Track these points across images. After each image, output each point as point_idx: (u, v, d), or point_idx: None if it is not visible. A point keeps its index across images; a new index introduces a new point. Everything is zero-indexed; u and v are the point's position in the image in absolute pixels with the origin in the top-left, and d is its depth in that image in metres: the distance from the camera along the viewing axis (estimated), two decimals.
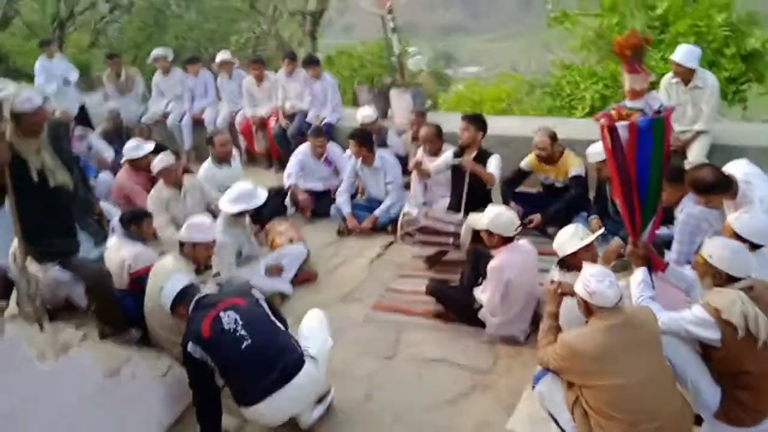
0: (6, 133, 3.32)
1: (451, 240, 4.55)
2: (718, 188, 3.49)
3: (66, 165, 3.62)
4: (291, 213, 5.95)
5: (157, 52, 8.10)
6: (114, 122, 7.14)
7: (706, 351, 2.77)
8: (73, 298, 4.65)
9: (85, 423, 3.05)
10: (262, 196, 4.70)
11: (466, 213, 4.60)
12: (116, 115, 7.22)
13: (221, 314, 3.10)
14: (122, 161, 5.78)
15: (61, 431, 2.94)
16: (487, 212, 3.89)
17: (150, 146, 5.68)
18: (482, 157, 4.92)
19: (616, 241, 4.38)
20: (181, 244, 3.96)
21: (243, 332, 3.06)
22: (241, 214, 4.63)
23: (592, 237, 3.39)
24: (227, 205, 4.58)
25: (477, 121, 5.00)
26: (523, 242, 3.98)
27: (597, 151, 4.31)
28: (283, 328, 3.28)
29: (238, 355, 3.04)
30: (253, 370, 3.05)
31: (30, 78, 8.40)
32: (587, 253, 3.35)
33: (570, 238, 3.39)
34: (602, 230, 3.91)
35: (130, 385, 3.28)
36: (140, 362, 3.37)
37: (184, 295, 3.28)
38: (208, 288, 3.81)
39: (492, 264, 3.76)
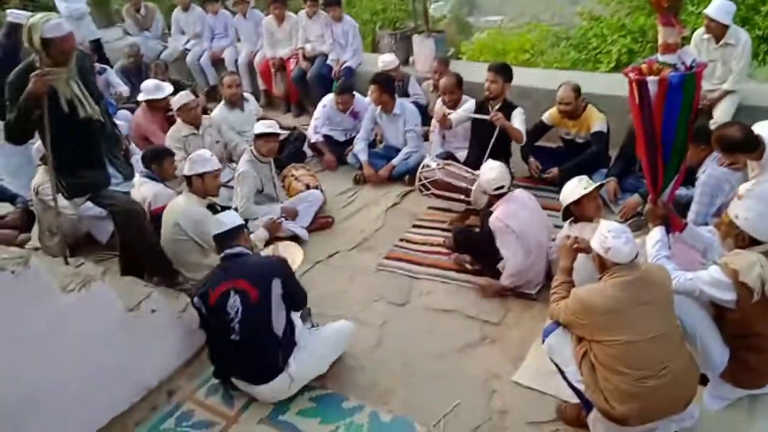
0: (36, 62, 3.28)
1: (463, 196, 4.53)
2: (745, 147, 3.43)
3: (93, 97, 3.58)
4: (309, 159, 5.95)
5: None
6: (134, 58, 7.09)
7: (718, 312, 2.78)
8: (93, 233, 4.78)
9: (109, 353, 3.17)
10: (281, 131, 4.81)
11: None
12: (136, 51, 7.16)
13: (231, 293, 3.09)
14: (141, 100, 5.77)
15: (86, 359, 3.07)
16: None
17: (169, 88, 5.67)
18: (507, 110, 4.85)
19: (635, 198, 4.36)
20: (189, 181, 4.02)
21: (237, 326, 3.08)
22: (266, 153, 4.71)
23: (593, 185, 3.37)
24: (258, 127, 4.68)
25: (505, 72, 4.90)
26: (518, 191, 3.98)
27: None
28: (280, 334, 3.15)
29: (223, 340, 3.16)
30: (229, 359, 3.20)
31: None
32: (591, 203, 3.37)
33: (574, 188, 3.39)
34: (612, 183, 3.91)
35: (150, 319, 3.38)
36: (159, 299, 3.44)
37: (232, 234, 3.26)
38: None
39: (491, 221, 3.79)
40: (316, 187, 5.17)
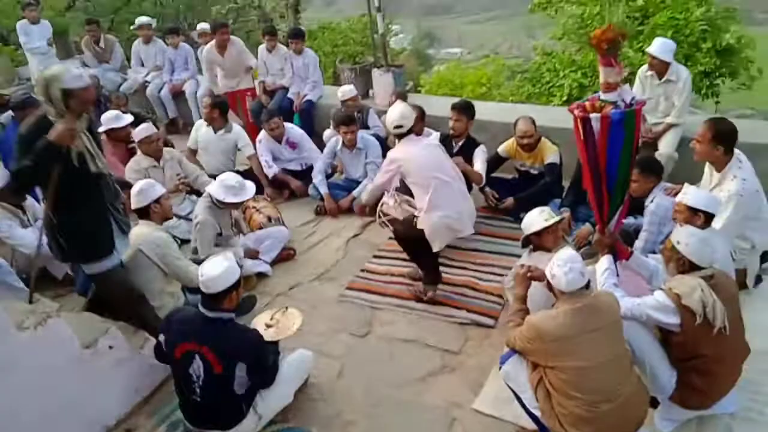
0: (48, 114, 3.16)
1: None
2: (735, 138, 3.69)
3: (100, 150, 3.47)
4: (268, 191, 5.98)
5: (141, 20, 8.00)
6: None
7: (664, 336, 2.92)
8: (49, 268, 4.69)
9: (64, 390, 3.12)
10: (250, 191, 4.54)
11: None
12: (96, 83, 7.11)
13: (196, 356, 2.99)
14: (101, 131, 5.73)
15: (42, 397, 3.00)
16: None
17: (129, 117, 5.65)
18: (471, 146, 5.05)
19: (586, 227, 4.52)
20: (145, 210, 3.94)
21: (198, 389, 3.02)
22: (226, 207, 4.56)
23: (555, 219, 3.50)
24: (217, 191, 4.42)
25: (468, 111, 5.14)
26: (419, 137, 4.37)
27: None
28: (243, 392, 3.08)
29: (185, 395, 3.12)
30: (193, 413, 3.15)
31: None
32: (550, 235, 3.47)
33: (535, 218, 3.51)
34: (566, 214, 4.08)
35: (108, 355, 3.34)
36: (117, 334, 3.41)
37: (219, 297, 3.01)
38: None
39: (388, 159, 4.19)
40: (278, 219, 5.18)
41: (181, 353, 3.04)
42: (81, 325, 3.39)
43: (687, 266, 2.88)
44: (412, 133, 4.20)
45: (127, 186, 4.52)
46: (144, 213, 3.97)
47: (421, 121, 5.40)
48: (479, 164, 4.99)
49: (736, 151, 3.72)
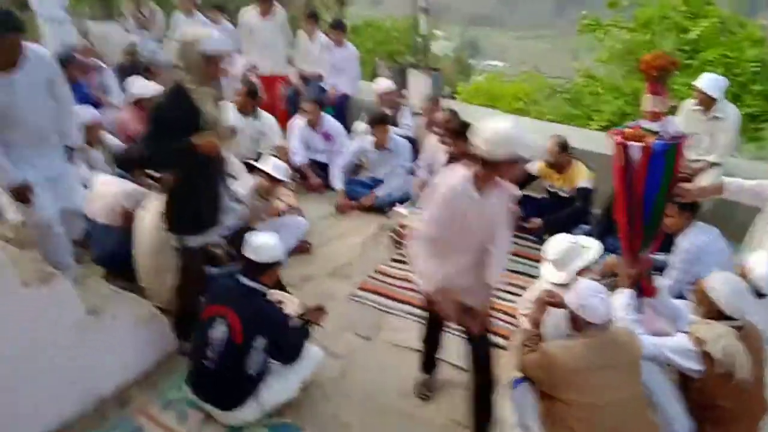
0: (187, 81, 3.07)
1: None
2: None
3: None
4: (291, 180, 5.90)
5: None
6: (131, 57, 7.02)
7: (683, 381, 2.79)
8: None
9: (62, 352, 3.07)
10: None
11: None
12: (134, 49, 7.10)
13: (220, 320, 3.01)
14: (131, 100, 5.71)
15: (38, 355, 2.97)
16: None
17: (157, 88, 5.60)
18: None
19: (612, 258, 4.36)
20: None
21: (213, 354, 3.01)
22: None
23: (594, 254, 3.38)
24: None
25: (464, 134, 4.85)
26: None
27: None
28: (253, 374, 3.07)
29: (197, 359, 3.09)
30: (199, 380, 3.12)
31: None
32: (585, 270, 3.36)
33: (572, 250, 3.37)
34: (598, 246, 3.93)
35: (110, 326, 3.30)
36: (123, 305, 3.36)
37: (261, 268, 3.10)
38: None
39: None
40: (299, 210, 5.12)
41: (208, 315, 3.05)
42: (88, 291, 3.35)
43: (715, 314, 2.75)
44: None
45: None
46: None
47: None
48: None
49: None
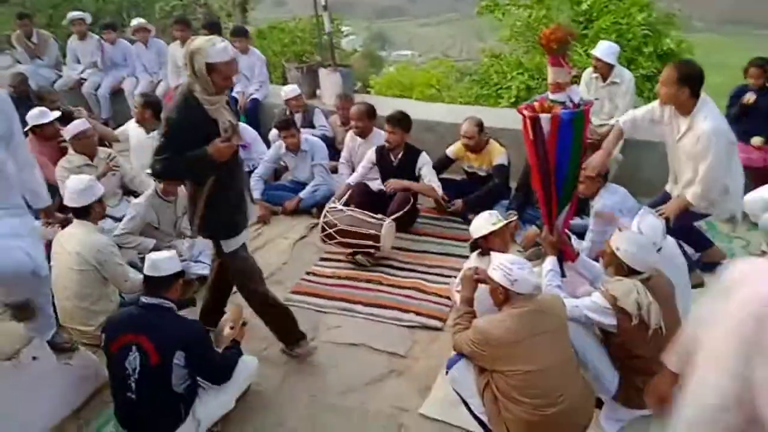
0: (196, 91, 2.99)
1: (371, 242, 4.55)
2: (702, 80, 3.65)
3: None
4: None
5: (73, 14, 7.65)
6: (19, 87, 6.61)
7: (605, 337, 2.92)
8: None
9: None
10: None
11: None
12: (21, 80, 6.67)
13: (133, 348, 2.85)
14: (26, 129, 5.40)
15: None
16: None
17: (54, 114, 5.34)
18: (411, 155, 5.00)
19: (533, 229, 4.52)
20: (85, 210, 3.77)
21: (133, 384, 2.85)
22: (168, 192, 4.44)
23: (502, 222, 3.46)
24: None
25: (403, 123, 5.00)
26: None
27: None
28: (182, 391, 2.94)
29: (120, 393, 2.93)
30: (127, 414, 2.97)
31: None
32: (498, 238, 3.42)
33: (483, 221, 3.45)
34: (514, 218, 4.04)
35: (31, 367, 3.11)
36: (43, 345, 3.19)
37: (162, 282, 2.99)
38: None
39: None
40: None
41: (118, 347, 2.89)
42: (2, 334, 3.16)
43: (626, 270, 2.89)
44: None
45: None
46: (82, 213, 3.76)
47: (367, 119, 5.33)
48: (429, 175, 4.97)
49: (703, 94, 3.67)
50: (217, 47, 2.93)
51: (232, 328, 3.47)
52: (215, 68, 2.94)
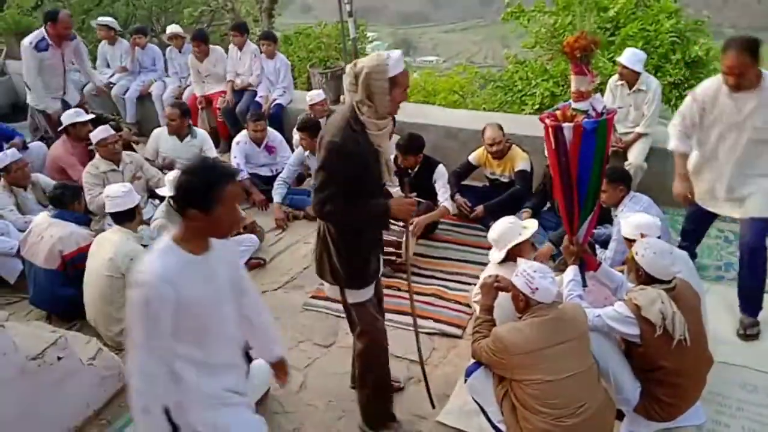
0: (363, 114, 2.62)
1: (392, 248, 4.52)
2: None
3: None
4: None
5: (100, 19, 7.81)
6: None
7: (627, 347, 2.89)
8: (2, 273, 4.50)
9: (6, 406, 2.94)
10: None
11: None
12: None
13: None
14: (62, 128, 5.53)
15: None
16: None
17: (90, 115, 5.49)
18: (428, 169, 4.97)
19: (547, 246, 4.41)
20: (126, 215, 3.89)
21: None
22: None
23: (530, 231, 3.43)
24: (164, 190, 4.42)
25: (413, 149, 4.92)
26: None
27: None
28: None
29: None
30: None
31: None
32: (526, 245, 3.41)
33: (510, 230, 3.40)
34: (526, 215, 3.99)
35: (56, 368, 3.17)
36: (67, 345, 3.24)
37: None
38: None
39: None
40: (253, 227, 5.08)
41: None
42: (28, 334, 3.23)
43: (645, 277, 2.85)
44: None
45: (81, 189, 4.44)
46: (122, 218, 3.87)
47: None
48: (443, 190, 4.93)
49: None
50: (393, 58, 2.63)
51: None
52: (397, 82, 2.61)
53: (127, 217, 3.90)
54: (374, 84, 2.57)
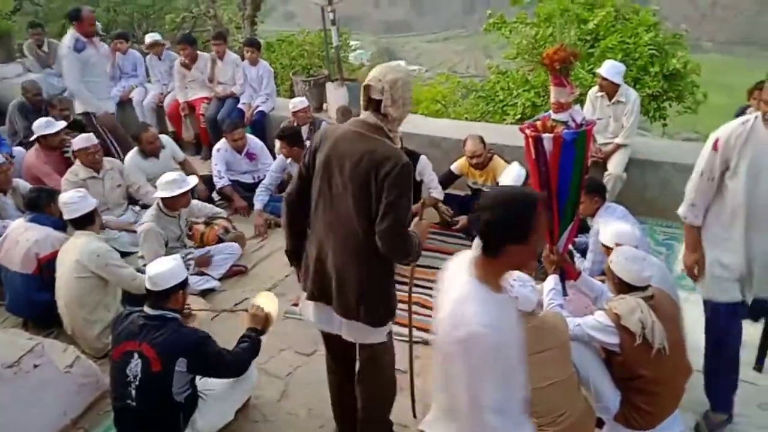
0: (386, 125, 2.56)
1: None
2: None
3: None
4: (217, 203, 5.82)
5: None
6: (32, 95, 6.69)
7: (607, 356, 2.91)
8: None
9: None
10: (190, 181, 4.55)
11: None
12: (35, 87, 6.76)
13: (135, 355, 2.85)
14: (32, 139, 5.46)
15: None
16: None
17: (60, 124, 5.40)
18: (411, 159, 4.96)
19: None
20: (80, 221, 3.86)
21: (133, 391, 2.85)
22: (174, 208, 4.46)
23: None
24: (162, 191, 4.38)
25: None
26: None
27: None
28: (182, 400, 2.93)
29: (120, 401, 2.92)
30: (127, 423, 2.96)
31: None
32: None
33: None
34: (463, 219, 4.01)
35: (32, 375, 3.14)
36: (44, 353, 3.20)
37: (163, 295, 2.95)
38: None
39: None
40: (235, 228, 5.10)
41: (120, 354, 2.90)
42: (4, 342, 3.19)
43: (620, 285, 2.89)
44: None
45: (57, 192, 4.42)
46: (81, 223, 3.84)
47: None
48: (430, 179, 4.98)
49: None
50: (405, 66, 2.61)
51: (255, 314, 3.28)
52: (410, 88, 2.61)
53: (86, 222, 3.89)
54: (406, 94, 2.55)
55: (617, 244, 3.18)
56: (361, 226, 2.52)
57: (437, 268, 4.66)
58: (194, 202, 4.82)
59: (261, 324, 3.26)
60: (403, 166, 2.46)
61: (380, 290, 2.69)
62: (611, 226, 3.46)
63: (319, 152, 2.59)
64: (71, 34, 5.82)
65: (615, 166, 5.18)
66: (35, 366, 3.13)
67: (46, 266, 3.92)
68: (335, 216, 2.58)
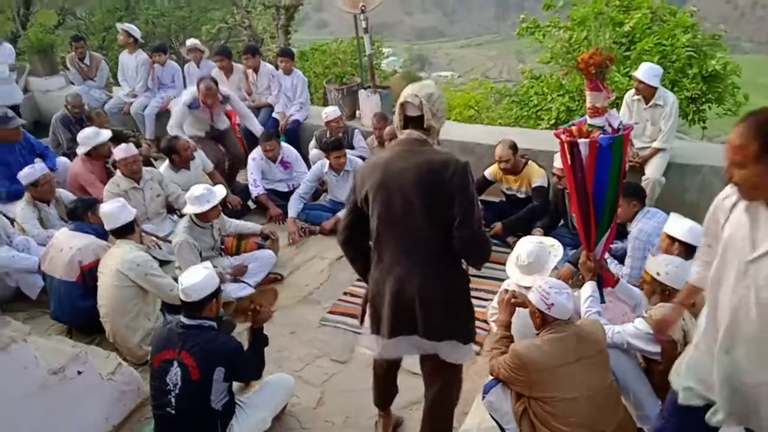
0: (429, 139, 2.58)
1: None
2: None
3: None
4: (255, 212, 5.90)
5: (123, 25, 7.97)
6: (76, 108, 6.90)
7: (648, 364, 2.85)
8: (23, 288, 4.57)
9: (26, 420, 2.97)
10: (218, 194, 4.53)
11: None
12: (78, 100, 6.96)
13: (175, 363, 2.90)
14: (79, 151, 5.61)
15: (4, 428, 2.87)
16: None
17: (107, 134, 5.55)
18: None
19: (567, 267, 4.38)
20: (121, 231, 3.96)
21: (173, 399, 2.91)
22: (206, 219, 4.52)
23: (559, 250, 3.43)
24: (190, 207, 4.44)
25: None
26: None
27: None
28: (219, 408, 2.98)
29: (160, 408, 2.97)
30: (167, 430, 3.02)
31: None
32: None
33: (542, 251, 3.37)
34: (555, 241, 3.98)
35: (76, 382, 3.20)
36: (88, 360, 3.28)
37: (199, 306, 2.98)
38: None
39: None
40: (274, 233, 5.15)
41: (159, 362, 2.96)
42: (49, 348, 3.26)
43: (664, 293, 2.83)
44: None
45: (98, 201, 4.54)
46: (122, 233, 3.94)
47: None
48: None
49: None
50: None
51: (256, 310, 3.24)
52: (444, 101, 2.65)
53: (126, 231, 3.98)
54: (442, 106, 2.58)
55: (682, 242, 3.12)
56: (437, 236, 2.50)
57: (471, 276, 4.68)
58: (224, 217, 4.87)
59: (260, 322, 3.23)
60: (464, 165, 2.47)
61: (467, 304, 2.70)
62: (686, 222, 3.39)
63: (367, 181, 2.57)
64: (193, 92, 5.94)
65: (653, 170, 5.07)
66: (79, 373, 3.20)
67: (89, 274, 4.02)
68: (405, 236, 2.55)
